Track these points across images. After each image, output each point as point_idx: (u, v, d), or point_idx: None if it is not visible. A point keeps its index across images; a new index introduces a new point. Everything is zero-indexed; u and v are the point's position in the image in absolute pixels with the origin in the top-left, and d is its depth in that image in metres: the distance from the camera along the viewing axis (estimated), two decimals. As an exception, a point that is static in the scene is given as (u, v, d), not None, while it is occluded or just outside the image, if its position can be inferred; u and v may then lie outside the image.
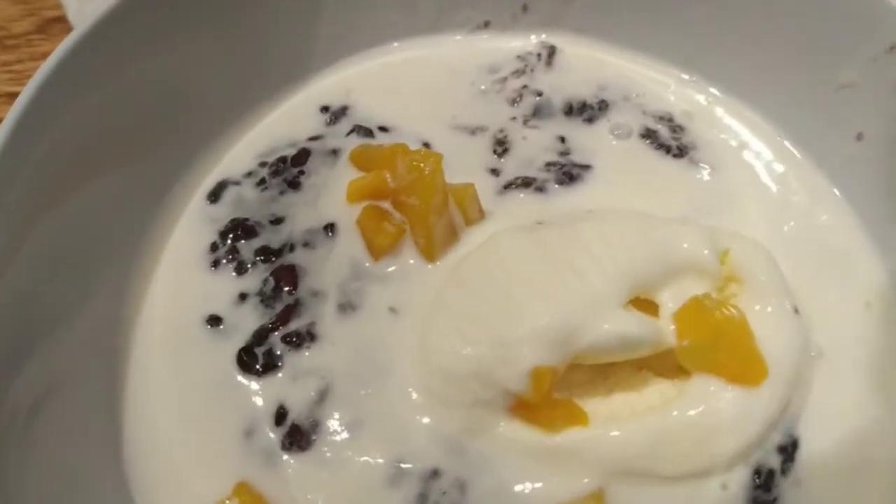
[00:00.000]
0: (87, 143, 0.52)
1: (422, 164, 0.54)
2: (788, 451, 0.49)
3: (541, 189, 0.58)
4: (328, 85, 0.63)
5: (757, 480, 0.48)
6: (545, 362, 0.47)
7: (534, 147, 0.60)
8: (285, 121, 0.62)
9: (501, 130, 0.61)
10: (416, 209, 0.54)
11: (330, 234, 0.55)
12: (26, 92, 0.48)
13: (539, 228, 0.53)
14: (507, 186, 0.58)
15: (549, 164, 0.59)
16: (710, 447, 0.48)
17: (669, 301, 0.50)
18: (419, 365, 0.50)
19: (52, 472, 0.45)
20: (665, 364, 0.50)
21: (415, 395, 0.50)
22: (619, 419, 0.48)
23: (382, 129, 0.61)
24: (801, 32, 0.58)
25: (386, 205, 0.56)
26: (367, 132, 0.60)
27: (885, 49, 0.54)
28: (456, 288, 0.51)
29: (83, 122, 0.52)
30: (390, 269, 0.54)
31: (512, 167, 0.59)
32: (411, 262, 0.54)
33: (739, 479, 0.48)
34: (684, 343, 0.49)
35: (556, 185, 0.58)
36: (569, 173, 0.58)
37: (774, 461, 0.49)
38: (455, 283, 0.51)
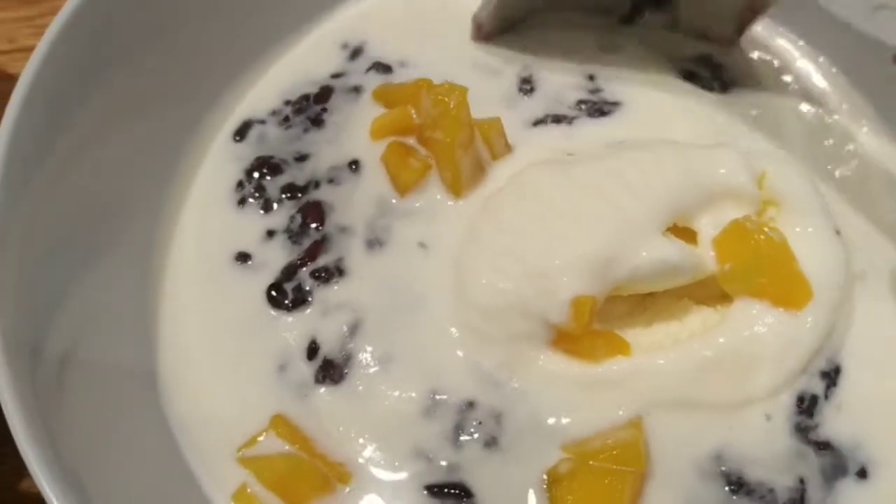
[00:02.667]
0: (112, 87, 0.52)
1: (447, 98, 0.54)
2: (831, 376, 0.50)
3: (570, 123, 0.57)
4: (347, 19, 0.63)
5: (800, 406, 0.49)
6: (585, 292, 0.47)
7: (562, 86, 0.59)
8: (306, 58, 0.62)
9: (526, 68, 0.60)
10: (442, 144, 0.54)
11: (355, 170, 0.55)
12: (45, 41, 0.48)
13: (570, 160, 0.53)
14: (536, 123, 0.57)
15: (579, 102, 0.58)
16: (755, 374, 0.48)
17: (708, 227, 0.50)
18: (454, 300, 0.50)
19: (93, 410, 0.45)
20: (706, 291, 0.50)
21: (449, 329, 0.50)
22: (661, 348, 0.48)
23: (402, 64, 0.60)
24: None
25: (411, 141, 0.56)
26: (387, 68, 0.60)
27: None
28: (489, 223, 0.51)
29: (106, 68, 0.52)
30: (417, 205, 0.54)
31: (540, 106, 0.59)
32: (438, 197, 0.54)
33: (782, 405, 0.49)
34: (725, 267, 0.49)
35: (587, 117, 0.57)
36: (599, 109, 0.58)
37: (818, 387, 0.49)
38: (488, 219, 0.51)
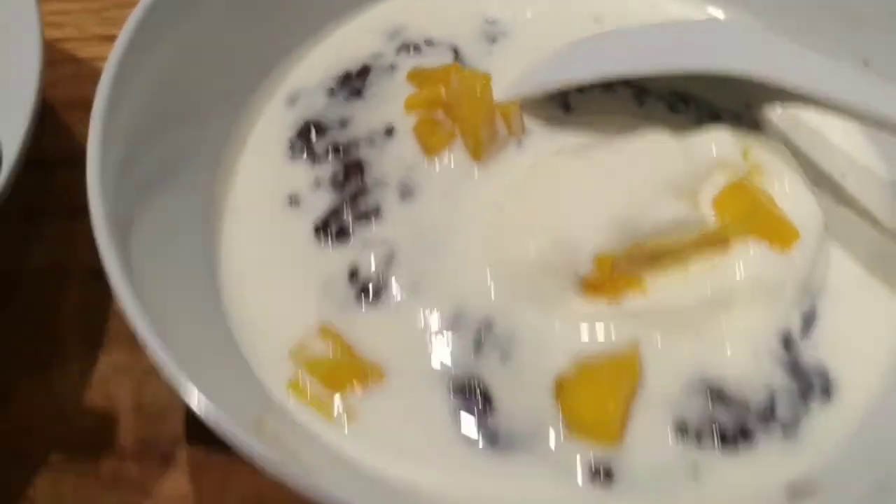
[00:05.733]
0: (185, 62, 0.62)
1: (473, 82, 0.64)
2: (809, 317, 0.59)
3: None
4: (389, 8, 0.73)
5: (782, 339, 0.58)
6: (607, 247, 0.57)
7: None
8: (349, 40, 0.71)
9: None
10: (467, 119, 0.64)
11: (390, 135, 0.64)
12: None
13: (585, 148, 0.63)
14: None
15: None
16: (748, 307, 0.57)
17: (707, 192, 0.60)
18: (478, 246, 0.59)
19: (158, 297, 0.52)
20: (706, 246, 0.59)
21: (474, 264, 0.59)
22: (670, 286, 0.58)
23: (428, 43, 0.71)
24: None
25: (439, 115, 0.65)
26: (416, 48, 0.70)
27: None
28: (513, 198, 0.60)
29: (180, 49, 0.62)
30: (443, 165, 0.63)
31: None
32: (461, 160, 0.63)
33: (766, 336, 0.58)
34: (726, 218, 0.59)
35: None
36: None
37: (796, 323, 0.59)
38: (512, 194, 0.61)
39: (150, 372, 0.62)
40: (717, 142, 0.62)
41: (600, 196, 0.59)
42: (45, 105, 0.64)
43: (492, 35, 0.73)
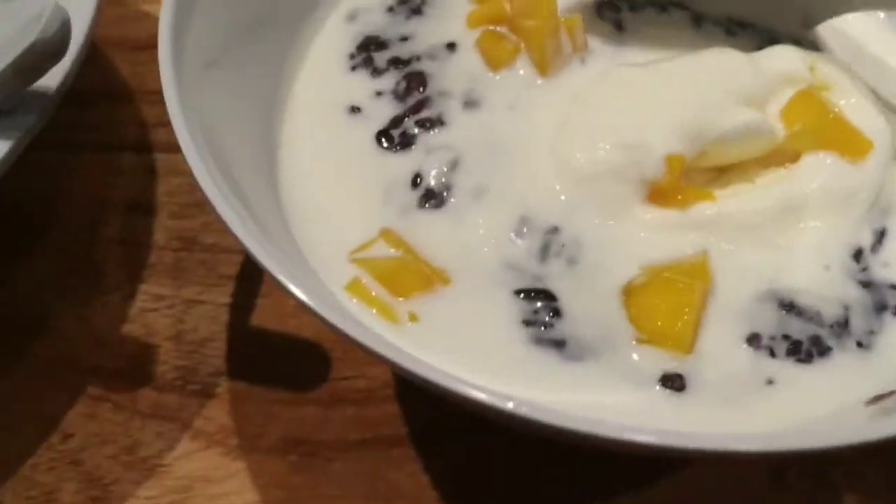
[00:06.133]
0: None
1: (539, -7, 0.63)
2: (879, 234, 0.57)
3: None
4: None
5: (852, 254, 0.56)
6: (677, 150, 0.55)
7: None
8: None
9: None
10: (531, 29, 0.62)
11: (452, 50, 0.63)
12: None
13: (653, 61, 0.61)
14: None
15: None
16: (821, 218, 0.56)
17: (774, 105, 0.58)
18: (546, 154, 0.57)
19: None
20: (775, 160, 0.58)
21: (540, 171, 0.57)
22: (739, 194, 0.56)
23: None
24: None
25: (503, 29, 0.64)
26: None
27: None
28: (582, 106, 0.59)
29: None
30: (508, 78, 0.61)
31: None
32: (526, 73, 0.62)
33: (837, 249, 0.56)
34: (795, 128, 0.57)
35: None
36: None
37: (867, 239, 0.56)
38: (579, 104, 0.59)
39: (191, 302, 0.62)
40: (784, 56, 0.60)
41: (669, 103, 0.57)
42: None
43: None
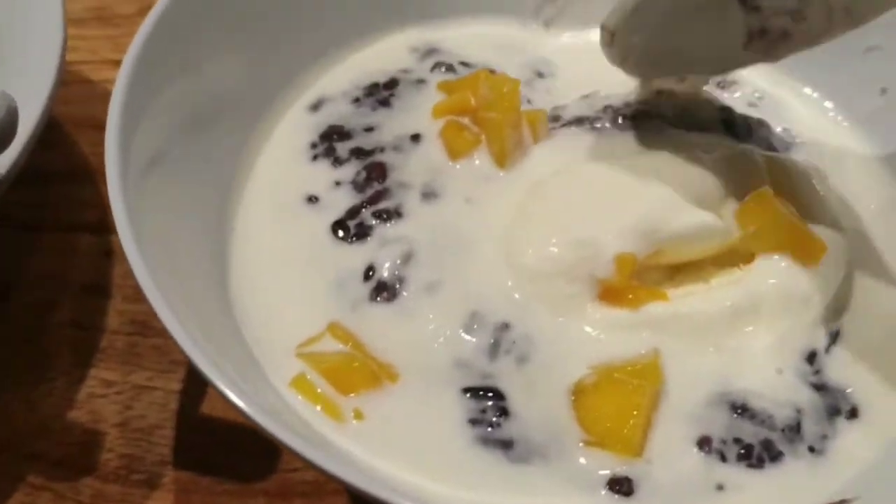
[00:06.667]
0: (208, 57, 0.62)
1: (502, 85, 0.64)
2: (833, 336, 0.57)
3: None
4: (424, 30, 0.73)
5: (806, 357, 0.56)
6: (629, 249, 0.55)
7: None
8: (379, 55, 0.71)
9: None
10: (493, 122, 0.63)
11: (416, 141, 0.63)
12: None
13: (609, 158, 0.61)
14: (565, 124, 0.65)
15: (605, 107, 0.67)
16: (773, 321, 0.55)
17: (731, 204, 0.58)
18: (498, 247, 0.57)
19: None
20: (728, 259, 0.57)
21: (493, 267, 0.57)
22: (692, 294, 0.56)
23: (464, 64, 0.70)
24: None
25: (466, 120, 0.64)
26: (450, 67, 0.69)
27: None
28: (536, 201, 0.59)
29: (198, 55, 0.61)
30: (467, 169, 0.62)
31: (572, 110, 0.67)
32: (485, 165, 0.62)
33: (790, 354, 0.56)
34: (751, 229, 0.56)
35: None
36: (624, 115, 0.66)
37: (821, 341, 0.56)
38: (536, 198, 0.59)
39: (141, 388, 0.62)
40: (741, 155, 0.60)
41: (623, 201, 0.57)
42: (52, 122, 0.63)
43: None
